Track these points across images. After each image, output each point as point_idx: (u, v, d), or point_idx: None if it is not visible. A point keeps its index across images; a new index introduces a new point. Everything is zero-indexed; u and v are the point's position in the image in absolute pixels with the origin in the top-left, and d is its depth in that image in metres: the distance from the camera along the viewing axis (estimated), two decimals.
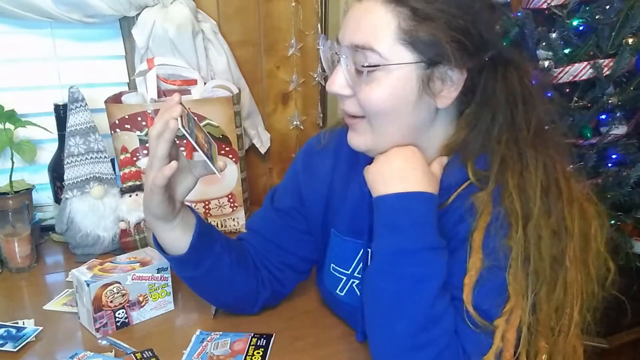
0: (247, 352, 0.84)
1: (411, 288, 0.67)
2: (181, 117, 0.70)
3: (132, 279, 0.91)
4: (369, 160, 0.78)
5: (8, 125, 1.23)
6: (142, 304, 0.94)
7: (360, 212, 0.83)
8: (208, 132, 0.80)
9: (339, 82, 0.72)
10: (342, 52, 0.71)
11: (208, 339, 0.88)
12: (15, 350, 0.85)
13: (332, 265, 0.89)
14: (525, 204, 0.67)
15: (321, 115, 1.62)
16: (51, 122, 1.26)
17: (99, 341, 0.88)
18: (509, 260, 0.66)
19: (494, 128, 0.73)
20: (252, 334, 0.89)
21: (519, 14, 1.44)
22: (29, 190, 1.27)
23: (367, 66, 0.68)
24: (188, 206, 0.84)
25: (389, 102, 0.69)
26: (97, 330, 0.89)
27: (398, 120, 0.71)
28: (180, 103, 0.71)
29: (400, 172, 0.71)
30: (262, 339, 0.88)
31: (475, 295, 0.66)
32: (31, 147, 1.26)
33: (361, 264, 0.84)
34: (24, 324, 0.93)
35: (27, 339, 0.88)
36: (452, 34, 0.66)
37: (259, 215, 0.97)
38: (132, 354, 0.84)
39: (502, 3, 1.53)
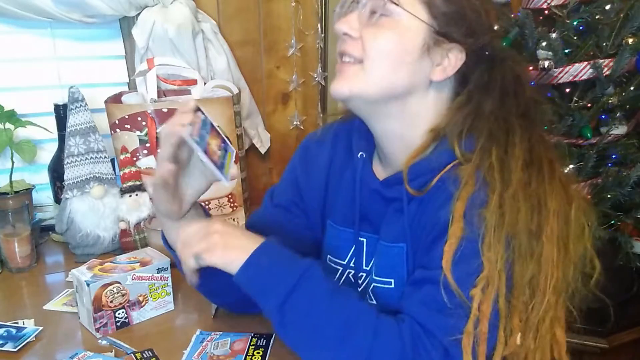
0: (247, 352, 0.84)
1: (322, 313, 0.68)
2: (192, 124, 0.70)
3: (132, 279, 0.91)
4: (364, 148, 0.84)
5: (8, 125, 1.23)
6: (142, 304, 0.94)
7: (351, 201, 0.84)
8: (226, 137, 0.79)
9: (351, 23, 0.74)
10: None
11: (208, 339, 0.88)
12: (15, 350, 0.85)
13: (328, 256, 0.90)
14: (506, 175, 0.69)
15: (321, 115, 1.62)
16: (51, 122, 1.26)
17: (99, 341, 0.88)
18: (484, 229, 0.66)
19: (483, 110, 0.75)
20: (252, 334, 0.89)
21: (519, 14, 1.44)
22: (29, 190, 1.27)
23: (385, 5, 0.71)
24: (201, 206, 0.84)
25: (393, 46, 0.72)
26: (97, 330, 0.89)
27: (394, 68, 0.73)
28: (198, 109, 0.72)
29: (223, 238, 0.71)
30: (262, 339, 0.88)
31: (453, 265, 0.66)
32: (31, 147, 1.26)
33: (356, 255, 0.85)
34: (24, 324, 0.93)
35: (27, 339, 0.88)
36: (466, 12, 0.72)
37: (259, 213, 0.97)
38: (132, 354, 0.84)
39: (502, 3, 1.53)
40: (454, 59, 0.74)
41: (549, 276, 0.67)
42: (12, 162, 1.23)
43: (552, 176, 0.71)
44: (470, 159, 0.72)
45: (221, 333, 0.89)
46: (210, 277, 0.84)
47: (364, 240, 0.84)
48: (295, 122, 1.60)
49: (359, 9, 0.74)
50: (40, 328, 0.91)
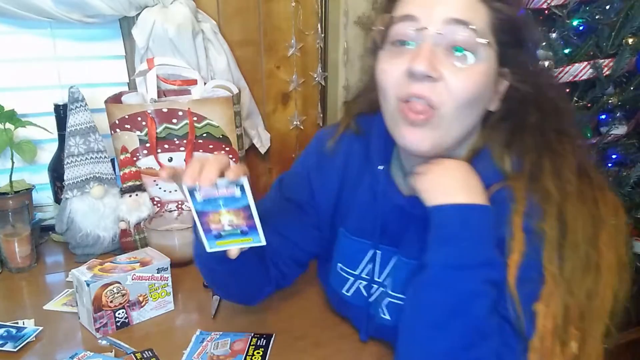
0: (247, 352, 0.84)
1: (464, 304, 0.64)
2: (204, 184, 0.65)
3: (132, 279, 0.91)
4: (383, 160, 0.79)
5: (8, 125, 1.23)
6: (142, 304, 0.94)
7: (370, 213, 0.81)
8: (258, 224, 0.68)
9: (432, 62, 0.65)
10: (432, 26, 0.65)
11: (208, 339, 0.88)
12: (15, 350, 0.85)
13: (339, 264, 0.87)
14: (561, 185, 0.67)
15: (321, 115, 1.63)
16: (51, 122, 1.26)
17: (99, 341, 0.88)
18: (544, 243, 0.65)
19: (526, 124, 0.72)
20: (252, 334, 0.89)
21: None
22: (29, 190, 1.27)
23: (470, 41, 0.65)
24: None
25: (477, 88, 0.66)
26: (97, 330, 0.89)
27: (471, 114, 0.69)
28: (245, 177, 0.64)
29: (463, 182, 0.68)
30: (262, 339, 0.88)
31: (517, 280, 0.65)
32: (31, 147, 1.26)
33: (370, 266, 0.83)
34: (24, 324, 0.93)
35: (27, 339, 0.88)
36: (524, 36, 0.70)
37: (267, 203, 0.91)
38: (132, 354, 0.84)
39: None
40: (505, 83, 0.71)
41: (607, 284, 0.66)
42: (12, 162, 1.23)
43: (599, 183, 0.70)
44: (520, 175, 0.69)
45: (221, 333, 0.89)
46: (234, 271, 0.81)
47: (379, 252, 0.82)
48: (295, 122, 1.60)
49: (432, 41, 0.65)
50: (40, 328, 0.91)
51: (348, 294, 0.87)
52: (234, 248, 0.69)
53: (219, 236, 0.68)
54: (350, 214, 0.86)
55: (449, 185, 0.68)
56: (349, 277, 0.86)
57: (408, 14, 0.67)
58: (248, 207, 0.65)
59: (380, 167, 0.80)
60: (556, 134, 0.72)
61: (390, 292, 0.80)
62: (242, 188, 0.64)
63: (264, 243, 0.69)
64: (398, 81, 0.68)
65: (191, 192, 0.64)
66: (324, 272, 0.94)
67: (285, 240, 0.89)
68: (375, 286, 0.83)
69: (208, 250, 0.69)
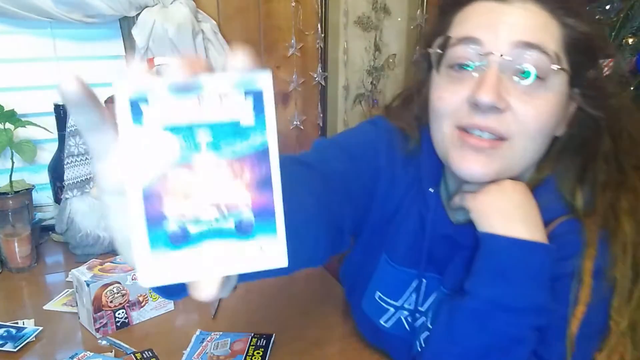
0: (247, 352, 0.84)
1: (504, 348, 0.59)
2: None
3: (132, 279, 0.91)
4: (433, 181, 0.71)
5: (8, 125, 1.23)
6: (142, 304, 0.94)
7: (418, 242, 0.73)
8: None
9: (500, 92, 0.58)
10: (499, 50, 0.58)
11: (208, 339, 0.88)
12: (15, 350, 0.85)
13: (377, 292, 0.78)
14: (638, 230, 0.61)
15: (321, 115, 1.63)
16: (51, 122, 1.25)
17: (99, 341, 0.88)
18: (614, 292, 0.60)
19: (596, 152, 0.65)
20: (252, 334, 0.89)
21: None
22: (29, 190, 1.27)
23: (555, 68, 0.58)
24: None
25: (548, 118, 0.60)
26: (97, 330, 0.89)
27: (541, 143, 0.62)
28: (268, 73, 0.43)
29: (521, 209, 0.61)
30: (262, 339, 0.88)
31: (579, 329, 0.60)
32: (31, 147, 1.26)
33: (414, 295, 0.75)
34: (24, 324, 0.93)
35: (27, 339, 0.88)
36: (597, 55, 0.63)
37: (324, 153, 0.71)
38: (132, 354, 0.84)
39: None
40: (573, 105, 0.64)
41: None
42: (12, 162, 1.23)
43: None
44: (592, 213, 0.63)
45: (221, 333, 0.89)
46: None
47: (425, 280, 0.74)
48: (295, 122, 1.60)
49: (498, 67, 0.58)
50: (40, 328, 0.91)
51: (387, 325, 0.78)
52: (211, 276, 0.31)
53: (182, 236, 0.31)
54: (396, 241, 0.76)
55: (506, 211, 0.61)
56: (389, 307, 0.77)
57: (470, 36, 0.60)
58: (264, 156, 0.31)
59: (431, 190, 0.71)
60: (634, 170, 0.65)
61: (430, 326, 0.72)
62: (258, 98, 0.30)
63: (284, 263, 0.32)
64: (458, 110, 0.61)
65: (134, 108, 0.29)
66: (355, 297, 0.83)
67: (341, 197, 0.68)
68: (419, 316, 0.75)
69: (144, 278, 0.30)
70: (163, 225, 0.30)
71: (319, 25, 1.53)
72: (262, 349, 0.85)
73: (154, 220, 0.30)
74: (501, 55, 0.58)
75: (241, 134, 0.31)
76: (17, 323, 0.93)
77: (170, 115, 0.30)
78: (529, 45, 0.58)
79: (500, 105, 0.58)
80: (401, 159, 0.74)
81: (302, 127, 1.61)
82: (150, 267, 0.30)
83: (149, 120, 0.29)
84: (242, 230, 0.31)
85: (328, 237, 0.63)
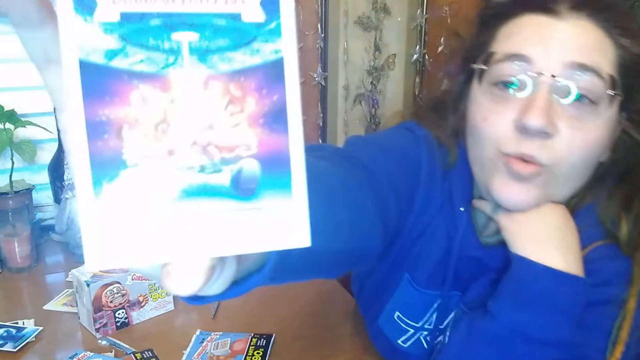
0: (247, 352, 0.84)
1: None
2: None
3: (132, 279, 0.91)
4: (464, 200, 0.67)
5: (8, 125, 1.23)
6: (142, 304, 0.94)
7: (444, 263, 0.69)
8: None
9: (546, 114, 0.53)
10: (550, 71, 0.54)
11: (208, 339, 0.88)
12: (15, 350, 0.85)
13: (397, 313, 0.74)
14: None
15: (321, 115, 1.62)
16: (51, 122, 1.26)
17: (99, 341, 0.88)
18: None
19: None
20: (252, 334, 0.89)
21: None
22: (29, 190, 1.27)
23: (611, 94, 0.54)
24: None
25: (596, 146, 0.56)
26: (97, 330, 0.89)
27: (587, 171, 0.59)
28: None
29: (558, 234, 0.58)
30: (262, 339, 0.88)
31: None
32: (31, 147, 1.26)
33: (435, 315, 0.72)
34: (24, 324, 0.93)
35: (27, 339, 0.88)
36: None
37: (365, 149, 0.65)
38: (132, 354, 0.84)
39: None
40: (618, 128, 0.60)
41: None
42: (12, 162, 1.23)
43: None
44: (636, 244, 0.60)
45: (221, 333, 0.89)
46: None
47: (447, 299, 0.71)
48: None
49: (549, 89, 0.54)
50: (40, 328, 0.91)
51: (405, 345, 0.75)
52: (192, 257, 0.22)
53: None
54: (421, 262, 0.71)
55: (541, 235, 0.58)
56: (409, 328, 0.74)
57: (519, 53, 0.56)
58: (277, 73, 0.22)
59: (462, 209, 0.68)
60: None
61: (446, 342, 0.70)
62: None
63: (306, 240, 0.23)
64: (503, 134, 0.57)
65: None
66: (370, 315, 0.80)
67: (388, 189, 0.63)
68: (438, 334, 0.73)
69: (90, 256, 0.21)
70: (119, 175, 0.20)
71: (319, 25, 1.53)
72: (262, 349, 0.85)
73: (106, 167, 0.20)
74: (553, 76, 0.54)
75: (243, 36, 0.21)
76: (17, 323, 0.93)
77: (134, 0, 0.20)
78: (584, 67, 0.54)
79: (549, 130, 0.54)
80: (439, 174, 0.69)
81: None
82: (100, 238, 0.20)
83: (102, 9, 0.20)
84: (241, 187, 0.21)
85: (381, 230, 0.58)
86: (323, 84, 1.59)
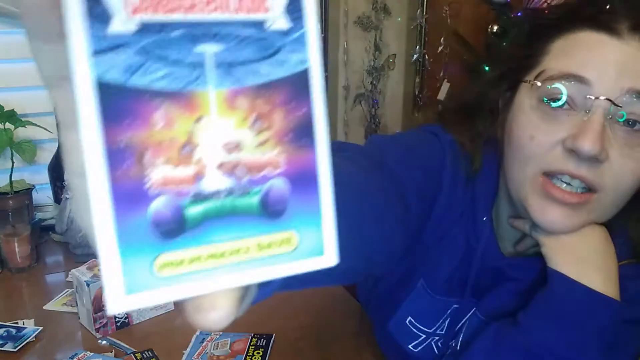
0: (247, 352, 0.84)
1: None
2: None
3: None
4: (486, 209, 0.65)
5: (8, 125, 1.23)
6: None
7: (462, 271, 0.68)
8: None
9: (601, 140, 0.51)
10: (607, 95, 0.52)
11: (208, 339, 0.88)
12: (15, 350, 0.85)
13: (409, 318, 0.73)
14: None
15: None
16: (51, 122, 1.26)
17: (99, 341, 0.88)
18: None
19: None
20: (252, 334, 0.89)
21: (519, 14, 1.44)
22: (29, 190, 1.27)
23: None
24: None
25: None
26: (97, 330, 0.89)
27: (628, 196, 0.57)
28: None
29: (599, 256, 0.57)
30: (262, 339, 0.88)
31: None
32: (31, 147, 1.26)
33: (447, 321, 0.71)
34: (24, 324, 0.93)
35: (27, 339, 0.88)
36: None
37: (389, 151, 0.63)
38: (132, 354, 0.84)
39: (502, 3, 1.53)
40: None
41: None
42: (12, 162, 1.23)
43: None
44: None
45: (221, 333, 0.89)
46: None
47: (461, 305, 0.70)
48: None
49: (604, 113, 0.52)
50: (40, 328, 0.91)
51: (415, 350, 0.74)
52: (224, 287, 0.21)
53: (175, 224, 0.19)
54: (437, 269, 0.70)
55: (583, 255, 0.57)
56: (421, 334, 0.72)
57: (577, 74, 0.54)
58: (303, 85, 0.21)
59: (484, 219, 0.66)
60: None
61: (457, 348, 0.69)
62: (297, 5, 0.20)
63: (334, 260, 0.22)
64: (548, 153, 0.55)
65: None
66: (380, 319, 0.78)
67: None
68: (450, 339, 0.72)
69: (112, 300, 0.19)
70: (143, 207, 0.19)
71: (319, 26, 1.53)
72: (262, 349, 0.85)
73: (128, 199, 0.18)
74: (609, 101, 0.52)
75: (268, 46, 0.20)
76: (17, 323, 0.93)
77: (152, 5, 0.18)
78: None
79: (602, 157, 0.52)
80: (462, 182, 0.67)
81: None
82: (122, 280, 0.19)
83: (119, 18, 0.18)
84: (270, 209, 0.20)
85: (401, 234, 0.56)
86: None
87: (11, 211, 1.12)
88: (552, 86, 0.55)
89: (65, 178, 1.18)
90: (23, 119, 1.25)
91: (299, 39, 0.20)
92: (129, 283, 0.19)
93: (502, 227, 0.68)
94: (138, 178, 0.18)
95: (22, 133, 1.29)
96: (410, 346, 0.73)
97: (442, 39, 1.75)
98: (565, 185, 0.55)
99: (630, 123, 0.53)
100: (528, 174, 0.57)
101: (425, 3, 1.67)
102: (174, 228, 0.19)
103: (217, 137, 0.19)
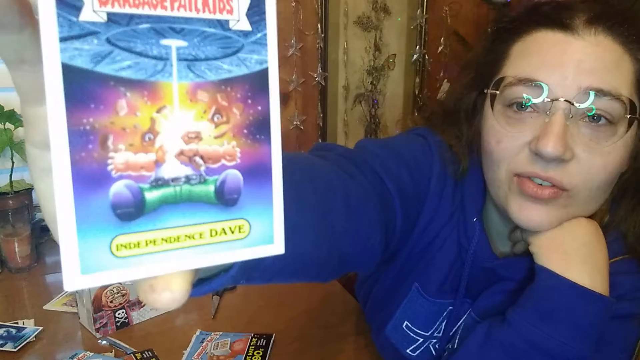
0: (247, 352, 0.84)
1: None
2: None
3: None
4: (476, 212, 0.66)
5: (8, 125, 1.23)
6: (142, 304, 0.94)
7: (454, 273, 0.69)
8: None
9: (562, 141, 0.52)
10: (566, 96, 0.53)
11: (208, 339, 0.88)
12: (15, 350, 0.85)
13: (406, 322, 0.73)
14: None
15: (321, 115, 1.63)
16: None
17: (99, 341, 0.88)
18: None
19: None
20: (252, 334, 0.89)
21: None
22: (29, 190, 1.27)
23: (631, 118, 0.52)
24: None
25: (616, 167, 0.55)
26: (97, 330, 0.89)
27: (606, 189, 0.58)
28: None
29: (586, 250, 0.57)
30: (262, 339, 0.88)
31: None
32: None
33: (444, 322, 0.71)
34: (24, 324, 0.93)
35: (27, 339, 0.88)
36: None
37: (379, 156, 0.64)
38: (132, 354, 0.84)
39: (502, 3, 1.53)
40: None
41: None
42: (12, 162, 1.23)
43: None
44: None
45: (221, 333, 0.89)
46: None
47: (457, 307, 0.70)
48: (295, 122, 1.60)
49: (565, 114, 0.53)
50: (40, 328, 0.91)
51: (413, 354, 0.74)
52: (177, 270, 0.22)
53: (134, 206, 0.20)
54: (431, 271, 0.70)
55: (570, 250, 0.57)
56: (418, 337, 0.73)
57: (533, 78, 0.54)
58: (262, 84, 0.22)
59: (475, 220, 0.66)
60: None
61: (454, 348, 0.70)
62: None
63: (280, 248, 0.24)
64: (516, 155, 0.56)
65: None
66: (377, 323, 0.79)
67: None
68: (447, 342, 0.71)
69: (69, 275, 0.20)
70: (104, 189, 0.19)
71: (319, 26, 1.53)
72: (262, 349, 0.85)
73: (89, 181, 0.19)
74: (568, 102, 0.52)
75: (230, 44, 0.21)
76: (17, 323, 0.93)
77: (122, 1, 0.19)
78: (601, 92, 0.52)
79: (565, 157, 0.53)
80: (451, 184, 0.68)
81: (302, 127, 1.61)
82: (80, 257, 0.19)
83: (88, 8, 0.19)
84: (225, 197, 0.22)
85: (382, 235, 0.57)
86: (323, 84, 1.59)
87: (11, 211, 1.12)
88: (512, 92, 0.56)
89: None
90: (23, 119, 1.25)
91: (259, 40, 0.21)
92: (85, 263, 0.19)
93: (493, 227, 0.68)
94: (100, 161, 0.19)
95: (22, 133, 1.29)
96: (408, 350, 0.74)
97: (442, 39, 1.75)
98: (537, 182, 0.56)
99: (595, 118, 0.53)
100: (502, 176, 0.59)
101: (425, 3, 1.68)
102: (133, 211, 0.20)
103: (177, 127, 0.20)
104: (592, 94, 0.52)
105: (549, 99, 0.53)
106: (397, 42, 1.70)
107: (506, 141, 0.57)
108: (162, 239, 0.21)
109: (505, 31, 0.61)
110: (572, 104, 0.52)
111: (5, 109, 1.22)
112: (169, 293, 0.22)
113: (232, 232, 0.22)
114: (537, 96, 0.54)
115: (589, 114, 0.53)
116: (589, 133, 0.53)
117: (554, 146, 0.51)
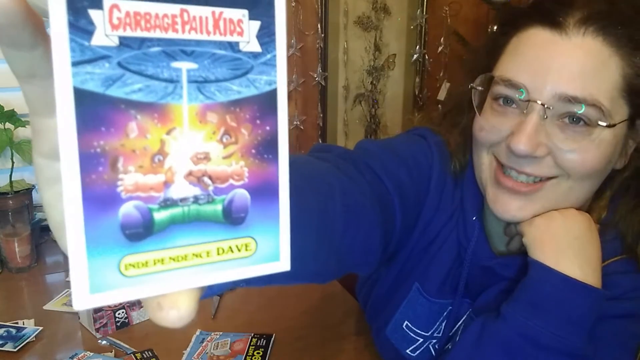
0: (247, 352, 0.84)
1: None
2: None
3: None
4: (476, 209, 0.67)
5: (8, 125, 1.23)
6: (142, 304, 0.94)
7: (454, 272, 0.69)
8: None
9: (533, 141, 0.54)
10: (542, 100, 0.54)
11: (208, 339, 0.88)
12: (15, 350, 0.85)
13: (406, 322, 0.73)
14: None
15: (321, 115, 1.63)
16: None
17: (99, 341, 0.88)
18: None
19: None
20: (252, 334, 0.89)
21: None
22: (29, 190, 1.27)
23: (603, 124, 0.53)
24: None
25: (597, 163, 0.56)
26: (97, 330, 0.89)
27: (591, 185, 0.59)
28: None
29: (578, 242, 0.57)
30: (262, 339, 0.88)
31: None
32: (31, 147, 1.26)
33: (444, 322, 0.71)
34: (24, 324, 0.93)
35: (27, 339, 0.88)
36: None
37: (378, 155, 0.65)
38: (132, 354, 0.84)
39: (502, 3, 1.53)
40: (636, 139, 0.60)
41: None
42: (12, 162, 1.23)
43: None
44: None
45: (221, 333, 0.89)
46: None
47: (457, 306, 0.71)
48: (295, 122, 1.60)
49: (540, 115, 0.54)
50: (40, 328, 0.91)
51: (413, 355, 0.74)
52: (185, 288, 0.23)
53: (143, 226, 0.21)
54: (431, 271, 0.70)
55: (561, 241, 0.57)
56: (418, 337, 0.73)
57: (514, 81, 0.56)
58: (270, 105, 0.23)
59: (474, 219, 0.67)
60: None
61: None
62: (267, 20, 0.22)
63: (286, 266, 0.24)
64: (497, 145, 0.59)
65: (78, 15, 0.20)
66: (377, 323, 0.78)
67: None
68: (447, 342, 0.72)
69: (79, 296, 0.20)
70: (113, 210, 0.20)
71: (319, 25, 1.53)
72: (262, 349, 0.85)
73: (99, 202, 0.19)
74: (543, 105, 0.54)
75: (240, 66, 0.21)
76: (17, 323, 0.93)
77: (132, 22, 0.19)
78: (576, 99, 0.53)
79: (537, 154, 0.55)
80: (451, 184, 0.69)
81: (302, 127, 1.61)
82: (89, 277, 0.20)
83: (100, 33, 0.19)
84: (232, 216, 0.22)
85: (381, 236, 0.58)
86: (323, 84, 1.59)
87: (11, 211, 1.12)
88: (496, 90, 0.59)
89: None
90: (23, 119, 1.25)
91: (269, 61, 0.22)
92: (94, 282, 0.20)
93: (491, 226, 0.69)
94: (110, 183, 0.20)
95: (22, 133, 1.29)
96: (407, 351, 0.74)
97: (442, 39, 1.75)
98: (515, 175, 0.58)
99: (574, 120, 0.55)
100: (484, 159, 0.62)
101: (425, 3, 1.68)
102: (142, 232, 0.20)
103: (187, 148, 0.21)
104: (567, 100, 0.53)
105: (524, 100, 0.56)
106: (397, 42, 1.70)
107: (489, 129, 0.60)
108: (170, 258, 0.21)
109: (506, 24, 0.62)
110: (546, 108, 0.54)
111: (5, 109, 1.22)
112: (175, 311, 0.22)
113: (239, 250, 0.22)
114: (517, 96, 0.57)
115: (565, 117, 0.55)
116: (565, 132, 0.55)
117: (524, 144, 0.54)
